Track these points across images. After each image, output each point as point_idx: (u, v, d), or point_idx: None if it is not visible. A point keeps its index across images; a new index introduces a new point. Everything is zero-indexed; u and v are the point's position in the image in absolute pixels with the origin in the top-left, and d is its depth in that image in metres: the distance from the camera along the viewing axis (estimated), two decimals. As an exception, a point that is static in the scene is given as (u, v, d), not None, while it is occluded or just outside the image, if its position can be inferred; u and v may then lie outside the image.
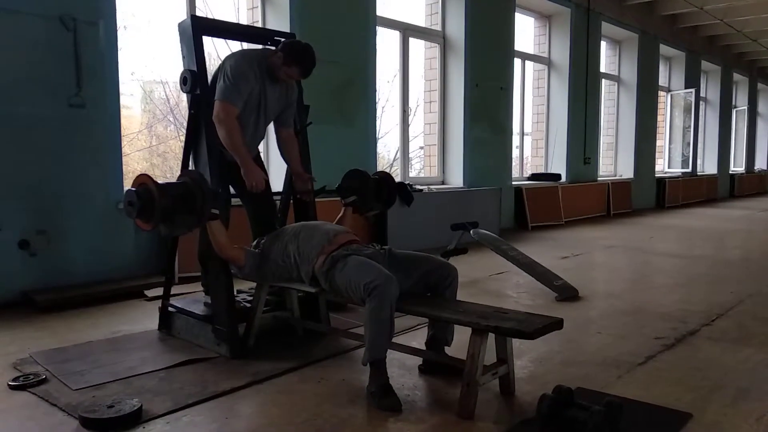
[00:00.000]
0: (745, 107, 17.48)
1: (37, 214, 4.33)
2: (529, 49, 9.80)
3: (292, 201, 3.80)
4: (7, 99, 4.14)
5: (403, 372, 2.94)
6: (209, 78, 3.39)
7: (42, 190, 4.34)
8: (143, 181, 2.87)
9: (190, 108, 3.42)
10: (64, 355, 3.17)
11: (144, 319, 3.88)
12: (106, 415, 2.36)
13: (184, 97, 3.72)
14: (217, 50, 7.55)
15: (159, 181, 2.89)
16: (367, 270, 2.71)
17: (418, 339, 3.34)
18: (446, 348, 2.97)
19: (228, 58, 3.34)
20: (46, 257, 4.37)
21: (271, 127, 3.65)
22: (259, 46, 3.65)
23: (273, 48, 3.48)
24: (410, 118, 7.91)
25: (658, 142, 13.38)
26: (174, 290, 3.80)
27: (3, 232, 4.16)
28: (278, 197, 3.79)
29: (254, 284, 3.37)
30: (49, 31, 4.30)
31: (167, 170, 7.56)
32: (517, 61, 9.01)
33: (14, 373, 2.89)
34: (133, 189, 2.86)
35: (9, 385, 2.75)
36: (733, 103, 16.97)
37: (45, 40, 4.29)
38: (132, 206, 2.84)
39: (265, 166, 3.77)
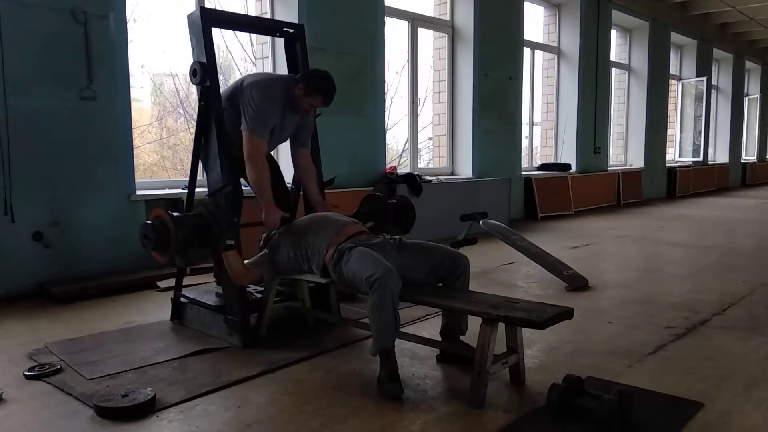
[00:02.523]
0: (758, 95, 17.29)
1: (50, 206, 4.37)
2: (539, 38, 9.73)
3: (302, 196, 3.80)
4: (19, 91, 4.16)
5: (414, 361, 2.96)
6: (218, 71, 3.40)
7: (54, 182, 4.38)
8: (158, 213, 2.86)
9: (200, 100, 3.43)
10: (79, 345, 3.21)
11: (157, 309, 3.93)
12: (120, 404, 2.40)
13: (193, 89, 3.73)
14: (225, 42, 7.56)
15: (174, 214, 2.88)
16: (367, 263, 2.73)
17: (427, 329, 3.36)
18: (462, 337, 2.98)
19: (252, 86, 3.25)
20: (60, 249, 4.42)
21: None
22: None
23: (294, 75, 3.46)
24: (419, 108, 7.89)
25: (669, 131, 13.26)
26: (186, 281, 3.84)
27: (17, 225, 4.20)
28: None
29: (265, 275, 3.39)
30: (61, 24, 4.33)
31: (177, 162, 7.58)
32: (527, 51, 8.95)
33: (30, 363, 2.93)
34: (149, 222, 2.84)
35: (25, 374, 2.79)
36: (745, 91, 16.78)
37: (56, 33, 4.31)
38: (147, 239, 2.82)
39: (275, 159, 3.77)
